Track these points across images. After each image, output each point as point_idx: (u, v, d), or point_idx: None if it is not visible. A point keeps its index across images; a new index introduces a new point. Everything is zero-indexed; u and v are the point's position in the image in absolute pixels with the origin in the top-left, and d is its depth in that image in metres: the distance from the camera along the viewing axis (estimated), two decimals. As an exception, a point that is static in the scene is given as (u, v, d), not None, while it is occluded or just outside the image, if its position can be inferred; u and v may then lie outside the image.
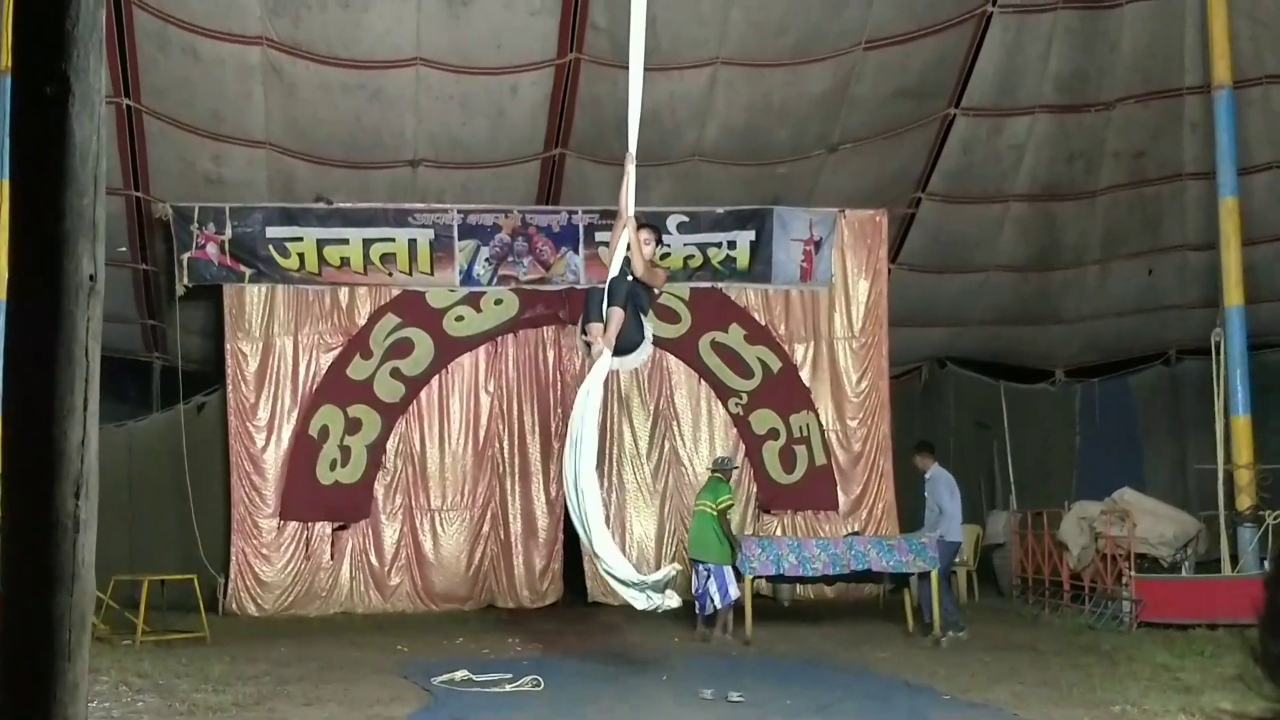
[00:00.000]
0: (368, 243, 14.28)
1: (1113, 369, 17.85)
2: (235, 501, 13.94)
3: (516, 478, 14.57)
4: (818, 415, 14.95)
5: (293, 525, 13.97)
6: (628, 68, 8.83)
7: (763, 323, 15.04)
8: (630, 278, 9.02)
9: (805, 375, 15.07)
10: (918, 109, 14.62)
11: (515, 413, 14.66)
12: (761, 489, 14.77)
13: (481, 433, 14.57)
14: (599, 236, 14.39)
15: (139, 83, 12.99)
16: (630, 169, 9.01)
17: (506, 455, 14.61)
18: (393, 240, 14.32)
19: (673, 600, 8.95)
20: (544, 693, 8.47)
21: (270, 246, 14.09)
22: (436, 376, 14.47)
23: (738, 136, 14.51)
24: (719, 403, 14.89)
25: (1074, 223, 16.10)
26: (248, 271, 14.08)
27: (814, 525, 14.69)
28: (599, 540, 8.70)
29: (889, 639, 11.43)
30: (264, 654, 10.36)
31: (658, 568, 14.06)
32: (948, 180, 15.33)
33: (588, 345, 9.18)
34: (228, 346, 14.13)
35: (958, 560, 12.90)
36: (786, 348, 15.05)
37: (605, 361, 8.98)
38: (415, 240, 14.34)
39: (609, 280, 9.10)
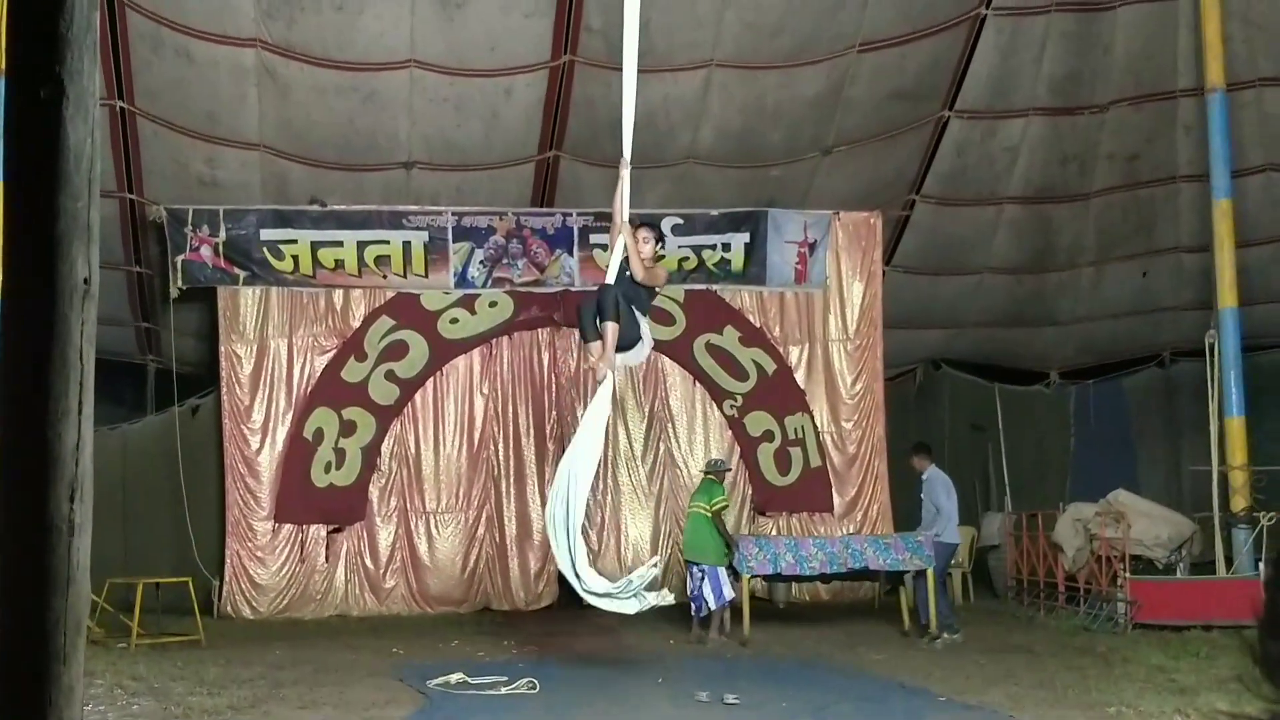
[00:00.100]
0: (362, 245, 14.27)
1: (1107, 371, 17.88)
2: (230, 504, 13.92)
3: (511, 480, 14.57)
4: (813, 417, 14.96)
5: (287, 528, 13.96)
6: (622, 69, 8.81)
7: (757, 325, 15.05)
8: (629, 276, 8.98)
9: (800, 377, 15.08)
10: (912, 111, 14.64)
11: (510, 415, 14.65)
12: (756, 491, 14.78)
13: (476, 435, 14.57)
14: (594, 239, 14.41)
15: (133, 85, 12.96)
16: (625, 174, 8.98)
17: (501, 458, 14.61)
18: (387, 243, 14.32)
19: (667, 598, 8.96)
20: (539, 695, 8.47)
21: (264, 249, 14.08)
22: (431, 379, 14.47)
23: (732, 139, 14.52)
24: (714, 405, 14.90)
25: (1068, 225, 16.11)
26: (242, 274, 14.07)
27: (809, 527, 14.69)
28: (584, 574, 8.70)
29: (884, 641, 11.44)
30: (259, 657, 10.35)
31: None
32: (942, 182, 15.34)
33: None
34: (222, 349, 14.11)
35: (954, 562, 12.92)
36: (781, 350, 15.05)
37: (609, 384, 8.98)
38: (410, 243, 14.33)
39: (600, 290, 9.05)
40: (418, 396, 14.43)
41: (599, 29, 12.94)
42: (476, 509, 14.45)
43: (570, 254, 14.59)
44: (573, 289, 14.39)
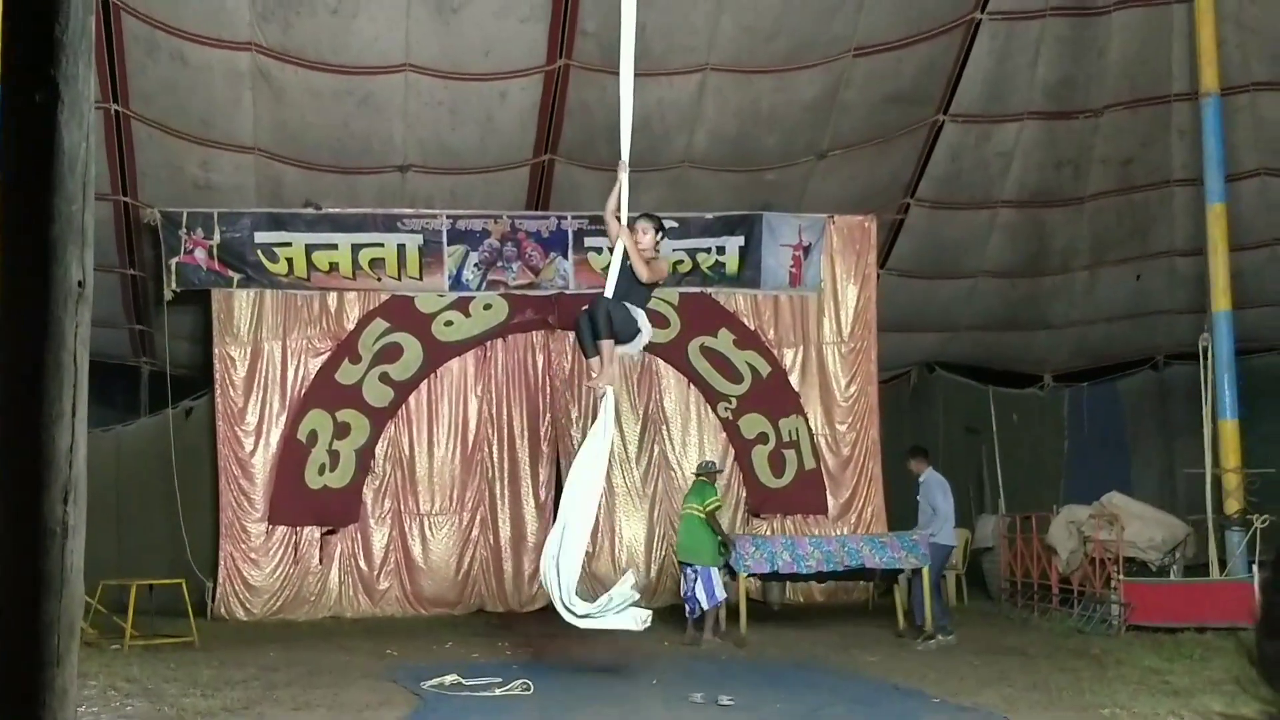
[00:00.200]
0: (356, 248, 14.27)
1: (1101, 374, 17.92)
2: (224, 506, 13.90)
3: (505, 482, 14.57)
4: (807, 420, 14.96)
5: (281, 530, 13.94)
6: (617, 73, 8.81)
7: (752, 327, 15.05)
8: (629, 275, 8.98)
9: (794, 380, 15.08)
10: (907, 115, 14.66)
11: (504, 417, 14.65)
12: (751, 493, 14.78)
13: (470, 437, 14.57)
14: (588, 242, 14.42)
15: (128, 88, 12.95)
16: (623, 177, 8.99)
17: (495, 460, 14.61)
18: (382, 245, 14.31)
19: (646, 623, 9.03)
20: (534, 697, 8.48)
21: (259, 251, 14.07)
22: (425, 381, 14.46)
23: (727, 142, 14.53)
24: (708, 407, 14.90)
25: (1062, 229, 16.14)
26: (236, 276, 14.07)
27: (803, 530, 14.66)
28: (570, 603, 8.75)
29: (879, 642, 11.45)
30: (252, 659, 10.34)
31: (648, 573, 14.17)
32: (936, 186, 15.36)
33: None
34: (216, 351, 14.10)
35: (949, 564, 12.94)
36: (776, 352, 15.05)
37: (610, 403, 8.99)
38: (404, 245, 14.33)
39: (593, 305, 9.03)
40: (412, 399, 14.43)
41: (594, 33, 12.95)
42: (471, 511, 14.45)
43: (565, 257, 14.60)
44: (567, 292, 14.40)
